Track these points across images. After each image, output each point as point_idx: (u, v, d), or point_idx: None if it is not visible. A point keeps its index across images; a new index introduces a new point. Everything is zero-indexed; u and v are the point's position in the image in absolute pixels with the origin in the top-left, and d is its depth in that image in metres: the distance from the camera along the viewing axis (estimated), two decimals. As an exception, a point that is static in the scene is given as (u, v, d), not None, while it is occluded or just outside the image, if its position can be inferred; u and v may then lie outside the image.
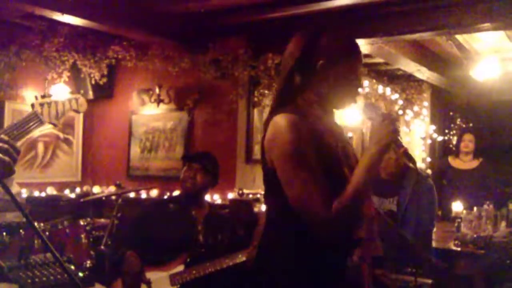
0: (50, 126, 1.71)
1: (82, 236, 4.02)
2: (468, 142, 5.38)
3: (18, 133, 1.58)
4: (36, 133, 5.02)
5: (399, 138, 1.60)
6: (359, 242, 1.70)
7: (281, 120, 1.61)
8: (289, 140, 1.56)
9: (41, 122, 1.62)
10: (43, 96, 1.68)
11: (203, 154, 3.46)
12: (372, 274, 1.80)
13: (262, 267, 1.70)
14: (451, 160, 5.54)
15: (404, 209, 3.36)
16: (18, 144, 1.51)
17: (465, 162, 5.43)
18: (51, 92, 5.02)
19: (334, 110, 1.78)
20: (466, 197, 4.95)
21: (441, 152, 8.01)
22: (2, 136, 1.47)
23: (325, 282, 1.63)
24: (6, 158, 1.42)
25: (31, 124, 1.59)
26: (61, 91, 5.02)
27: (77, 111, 1.70)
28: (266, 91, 5.04)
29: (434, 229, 3.87)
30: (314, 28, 1.73)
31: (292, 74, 1.70)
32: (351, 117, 5.95)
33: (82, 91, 5.55)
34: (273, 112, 1.68)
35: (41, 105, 1.62)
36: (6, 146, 1.44)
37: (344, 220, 1.53)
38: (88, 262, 3.87)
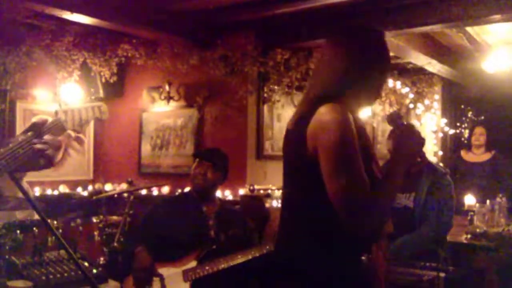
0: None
1: (95, 233, 4.06)
2: (479, 135, 5.35)
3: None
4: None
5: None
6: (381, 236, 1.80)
7: (331, 110, 1.60)
8: (341, 132, 1.55)
9: (63, 129, 1.64)
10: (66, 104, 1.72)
11: (213, 151, 3.47)
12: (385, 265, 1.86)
13: (285, 258, 1.71)
14: (464, 153, 5.51)
15: (423, 206, 3.33)
16: None
17: (477, 155, 5.39)
18: (69, 96, 5.06)
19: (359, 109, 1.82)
20: (478, 190, 4.91)
21: (453, 145, 7.95)
22: (46, 137, 1.55)
23: (352, 274, 1.69)
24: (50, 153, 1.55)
25: (54, 131, 1.61)
26: (74, 92, 5.07)
27: (100, 119, 1.73)
28: (276, 87, 5.03)
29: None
30: (339, 35, 1.80)
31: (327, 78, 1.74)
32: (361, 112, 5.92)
33: (92, 90, 5.56)
34: (316, 102, 1.66)
35: (65, 112, 1.64)
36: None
37: (377, 217, 1.60)
38: (101, 259, 3.91)
